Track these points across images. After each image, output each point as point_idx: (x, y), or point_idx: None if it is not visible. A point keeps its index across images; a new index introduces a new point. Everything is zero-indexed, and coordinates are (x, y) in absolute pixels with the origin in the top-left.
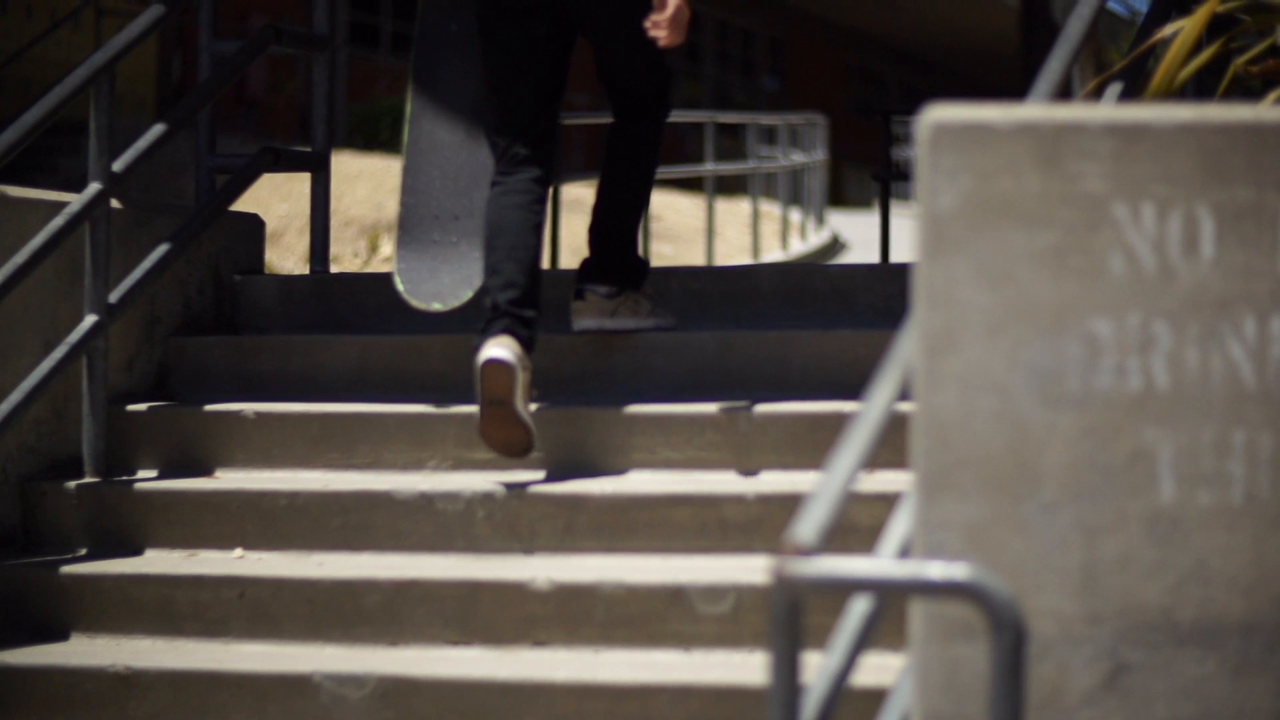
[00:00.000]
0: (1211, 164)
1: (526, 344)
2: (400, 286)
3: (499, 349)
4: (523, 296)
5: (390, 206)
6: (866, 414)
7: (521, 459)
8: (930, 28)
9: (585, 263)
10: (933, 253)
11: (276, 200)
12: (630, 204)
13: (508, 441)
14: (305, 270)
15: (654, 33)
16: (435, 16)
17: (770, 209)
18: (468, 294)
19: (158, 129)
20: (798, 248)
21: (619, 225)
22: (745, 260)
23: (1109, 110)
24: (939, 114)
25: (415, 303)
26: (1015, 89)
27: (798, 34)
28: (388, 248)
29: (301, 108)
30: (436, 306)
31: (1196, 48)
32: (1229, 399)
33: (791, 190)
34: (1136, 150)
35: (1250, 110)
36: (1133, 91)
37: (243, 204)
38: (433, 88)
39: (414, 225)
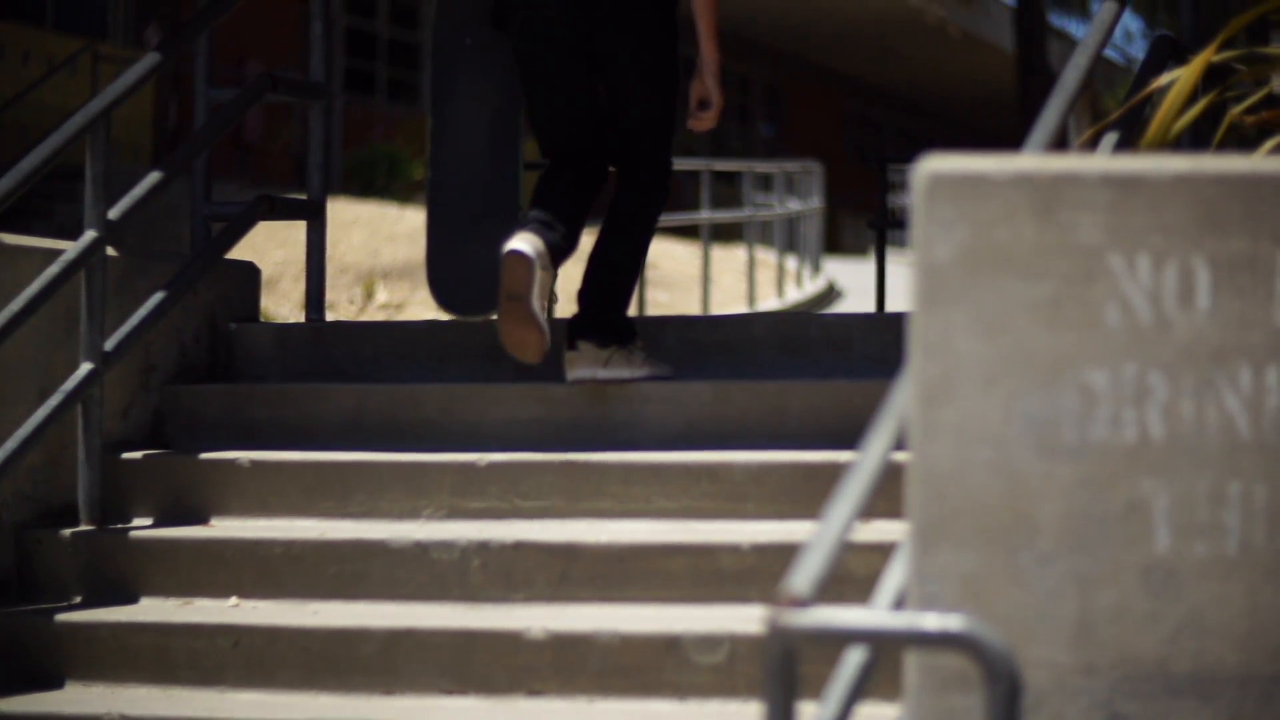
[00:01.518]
0: (1207, 215)
1: (552, 248)
2: (434, 299)
3: (522, 243)
4: (553, 219)
5: (386, 253)
6: (862, 464)
7: (536, 363)
8: (927, 75)
9: (575, 317)
10: (928, 303)
11: (273, 246)
12: (623, 265)
13: (522, 341)
14: (301, 317)
15: (697, 126)
16: (450, 31)
17: (766, 256)
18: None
19: (154, 177)
20: (793, 295)
21: (611, 284)
22: (741, 308)
23: (1104, 161)
24: (935, 164)
25: (450, 314)
26: (1012, 135)
27: (794, 81)
28: (383, 294)
29: (297, 153)
30: (472, 317)
31: (1192, 97)
32: (1224, 450)
33: (787, 237)
34: (1132, 201)
35: (1245, 161)
36: (1129, 141)
37: (239, 251)
38: (451, 101)
39: (442, 237)
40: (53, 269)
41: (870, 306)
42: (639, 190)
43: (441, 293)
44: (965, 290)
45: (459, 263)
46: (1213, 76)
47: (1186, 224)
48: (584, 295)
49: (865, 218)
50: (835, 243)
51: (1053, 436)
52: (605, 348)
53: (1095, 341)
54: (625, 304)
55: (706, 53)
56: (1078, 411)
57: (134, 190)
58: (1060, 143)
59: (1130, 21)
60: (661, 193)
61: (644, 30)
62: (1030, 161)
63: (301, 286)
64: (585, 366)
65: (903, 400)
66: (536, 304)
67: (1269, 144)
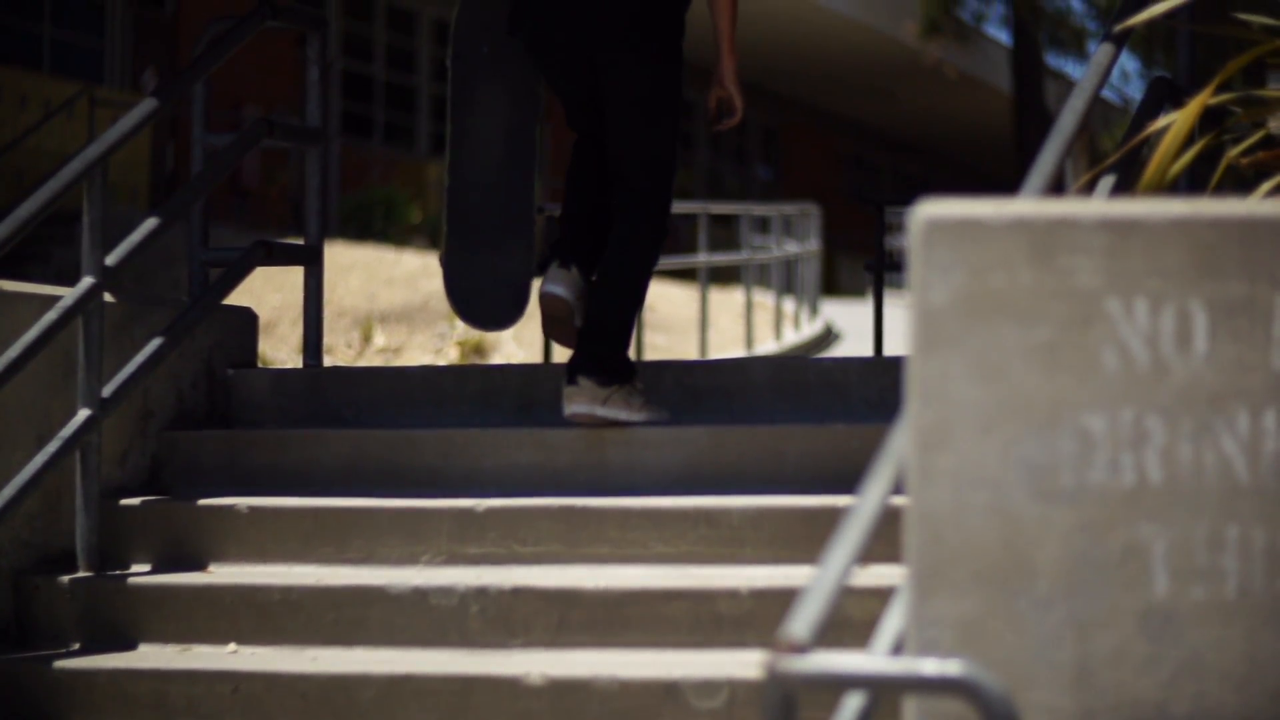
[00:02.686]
0: (1204, 259)
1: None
2: (452, 307)
3: (556, 285)
4: (596, 328)
5: (384, 296)
6: (860, 510)
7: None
8: (924, 116)
9: (575, 353)
10: (926, 348)
11: (270, 290)
12: (622, 303)
13: (567, 340)
14: (299, 361)
15: (721, 128)
16: (468, 39)
17: (764, 299)
18: (519, 316)
19: (151, 223)
20: (791, 338)
21: (611, 322)
22: (739, 350)
23: (1101, 205)
24: (932, 210)
25: (467, 322)
26: (1009, 175)
27: (791, 122)
28: (381, 338)
29: (295, 197)
30: (491, 329)
31: (1189, 140)
32: (1222, 493)
33: (785, 280)
34: (1129, 245)
35: (1242, 205)
36: (1126, 184)
37: (236, 294)
38: (469, 109)
39: (460, 246)
40: (50, 315)
41: (868, 348)
42: (637, 228)
43: (459, 301)
44: (962, 335)
45: (476, 272)
46: (1209, 118)
47: (1184, 268)
48: (584, 333)
49: (863, 259)
50: (833, 284)
51: (1050, 481)
52: (605, 386)
53: (1093, 386)
54: (626, 342)
55: (726, 63)
56: (1075, 456)
57: (131, 236)
58: (1057, 186)
59: (1127, 61)
60: (660, 232)
61: (644, 55)
62: (1027, 206)
63: (299, 330)
64: (584, 403)
65: (900, 445)
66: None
67: (1266, 186)
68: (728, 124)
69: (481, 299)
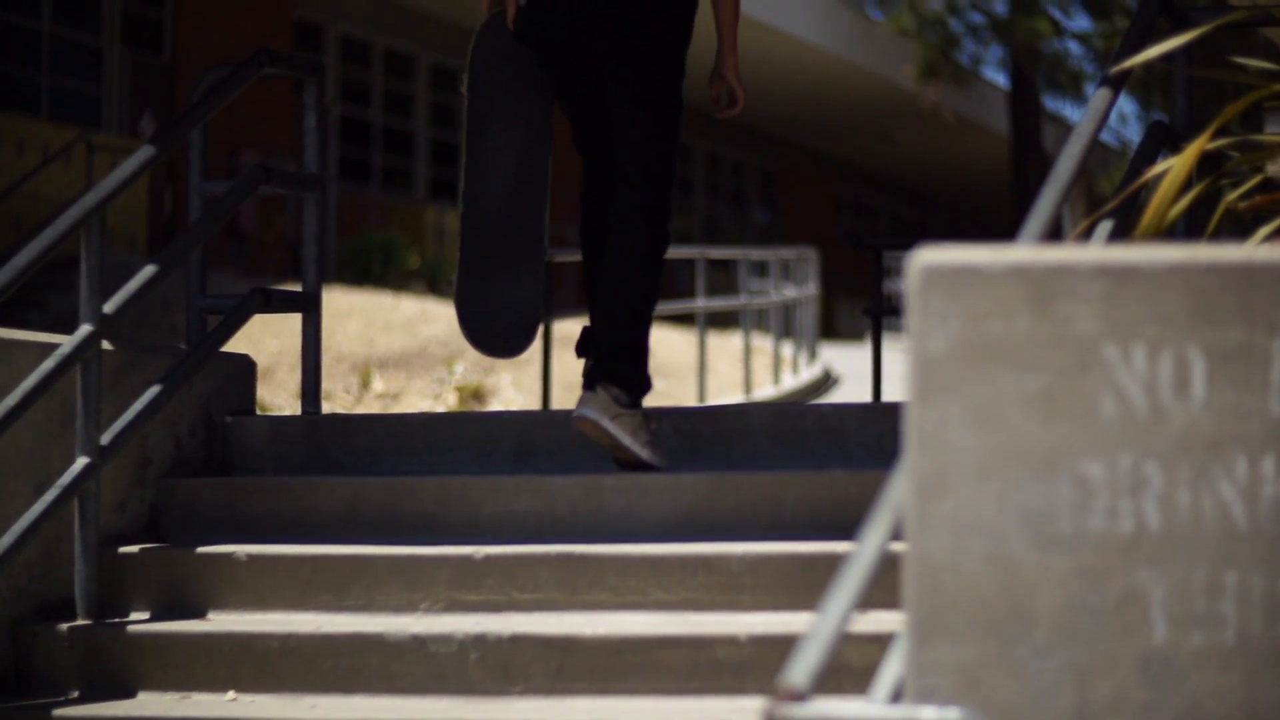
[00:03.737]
0: (1202, 304)
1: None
2: (464, 335)
3: (586, 408)
4: (608, 345)
5: (382, 342)
6: (859, 557)
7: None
8: (922, 159)
9: (595, 363)
10: (923, 396)
11: (268, 336)
12: (630, 314)
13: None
14: (298, 407)
15: (723, 115)
16: (484, 68)
17: (762, 343)
18: (528, 344)
19: (148, 270)
20: (790, 383)
21: (623, 334)
22: (737, 395)
23: (1099, 252)
24: (929, 257)
25: (479, 350)
26: (1007, 218)
27: (789, 166)
28: (380, 384)
29: (292, 242)
30: (501, 356)
31: (1187, 185)
32: (1221, 540)
33: (783, 324)
34: (1127, 291)
35: (1240, 250)
36: (1123, 229)
37: (234, 340)
38: (485, 135)
39: (473, 274)
40: (48, 363)
41: (867, 392)
42: (638, 237)
43: (471, 329)
44: (960, 383)
45: (488, 300)
46: (1207, 162)
47: (1181, 314)
48: (600, 346)
49: (861, 303)
50: (831, 328)
51: (1049, 528)
52: (619, 404)
53: (1091, 432)
54: (642, 357)
55: (728, 59)
56: (1074, 503)
57: (129, 284)
58: (1055, 231)
59: (1125, 104)
60: (661, 240)
61: (649, 61)
62: (1024, 253)
63: (297, 376)
64: (595, 410)
65: (898, 492)
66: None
67: (1264, 231)
68: (729, 113)
69: (493, 327)
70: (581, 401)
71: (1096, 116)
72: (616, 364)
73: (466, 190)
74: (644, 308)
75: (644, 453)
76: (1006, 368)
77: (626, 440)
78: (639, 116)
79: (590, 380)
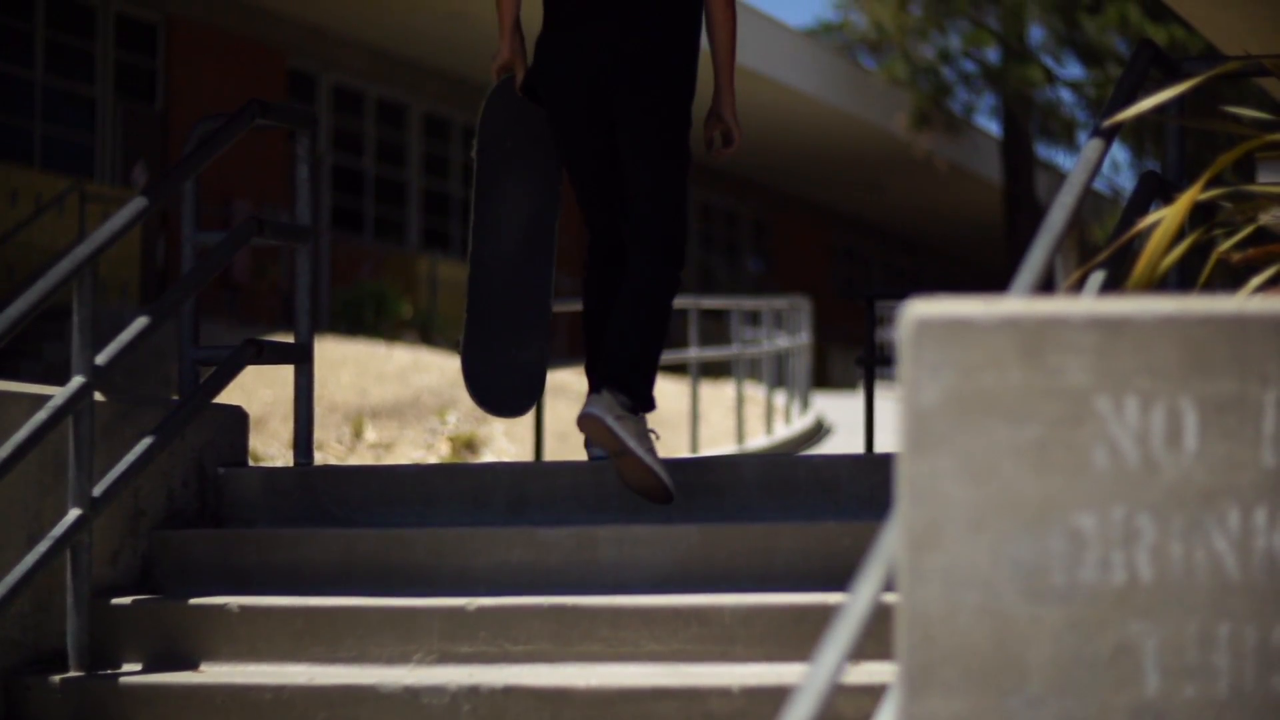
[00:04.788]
0: (1194, 356)
1: (627, 395)
2: (470, 395)
3: (590, 406)
4: (618, 358)
5: (375, 392)
6: (851, 608)
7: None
8: (914, 208)
9: (603, 371)
10: (916, 448)
11: (261, 385)
12: (642, 331)
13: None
14: (290, 458)
15: (719, 155)
16: (494, 133)
17: (755, 393)
18: (533, 404)
19: (141, 322)
20: (782, 432)
21: (633, 347)
22: (730, 445)
23: (1091, 303)
24: (921, 309)
25: (485, 410)
26: (1000, 266)
27: (782, 215)
28: (372, 433)
29: (286, 291)
30: (506, 415)
31: (1179, 235)
32: (1213, 591)
33: (776, 373)
34: (1119, 343)
35: (1232, 302)
36: (1116, 279)
37: (227, 390)
38: (493, 201)
39: (478, 337)
40: (40, 415)
41: (860, 441)
42: (654, 271)
43: (477, 389)
44: (952, 435)
45: (494, 360)
46: (1200, 212)
47: (1174, 366)
48: (609, 356)
49: (854, 352)
50: (824, 377)
51: (1041, 580)
52: (626, 409)
53: (1083, 484)
54: (650, 374)
55: (726, 98)
56: (1066, 555)
57: (121, 336)
58: (1048, 281)
59: (1118, 152)
60: (675, 277)
61: (659, 103)
62: (1016, 305)
63: (290, 426)
64: (600, 409)
65: (891, 544)
66: (641, 449)
67: (1256, 281)
68: (725, 152)
69: (498, 387)
70: (587, 402)
71: (1089, 167)
72: (625, 374)
73: (474, 252)
74: (657, 330)
75: (648, 457)
76: (999, 419)
77: (631, 442)
78: (655, 168)
79: (597, 384)
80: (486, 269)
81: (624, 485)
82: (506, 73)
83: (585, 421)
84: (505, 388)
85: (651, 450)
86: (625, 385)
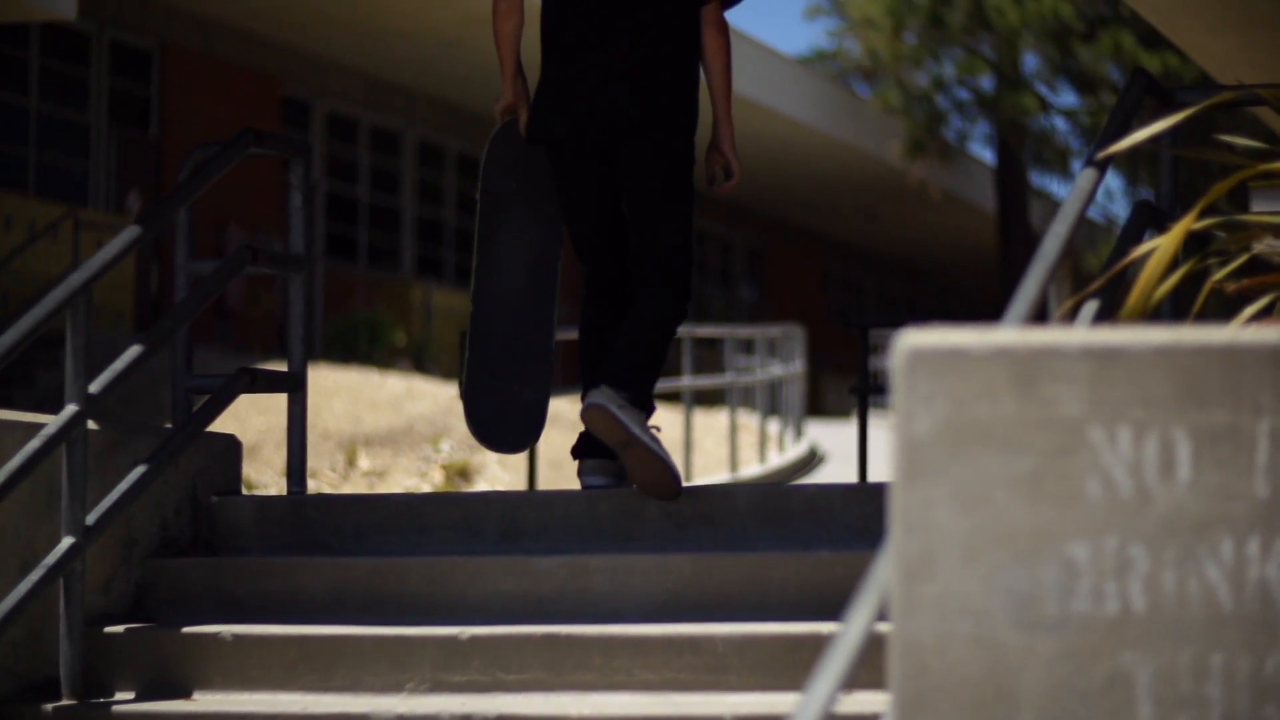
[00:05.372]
0: (1187, 386)
1: (628, 392)
2: (471, 432)
3: (595, 395)
4: (621, 358)
5: (368, 420)
6: (844, 638)
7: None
8: (908, 235)
9: (602, 373)
10: (909, 478)
11: (255, 413)
12: (645, 347)
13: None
14: (284, 485)
15: (719, 192)
16: (497, 174)
17: (748, 421)
18: (534, 441)
19: (134, 350)
20: (776, 460)
21: (635, 357)
22: (724, 473)
23: (1084, 334)
24: (915, 340)
25: (485, 447)
26: (994, 294)
27: (776, 243)
28: (366, 461)
29: (279, 319)
30: (506, 451)
31: (1173, 264)
32: (1206, 621)
33: (770, 401)
34: (1112, 374)
35: (1225, 332)
36: (1109, 309)
37: (221, 417)
38: (495, 242)
39: (480, 374)
40: (34, 443)
41: (853, 469)
42: (660, 299)
43: (478, 427)
44: (945, 465)
45: (495, 399)
46: (1193, 241)
47: (1167, 396)
48: (609, 362)
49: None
50: (818, 405)
51: (1034, 610)
52: (629, 402)
53: (1076, 515)
54: (649, 382)
55: (724, 129)
56: (1059, 585)
57: (115, 364)
58: (1041, 311)
59: (1111, 179)
60: (681, 307)
61: (663, 143)
62: (1010, 335)
63: (284, 454)
64: (605, 398)
65: (884, 574)
66: (648, 438)
67: (1249, 311)
68: (726, 187)
69: (499, 424)
70: (590, 395)
71: (1082, 196)
72: (626, 373)
73: (477, 291)
74: (659, 348)
75: (655, 446)
76: (992, 450)
77: (635, 429)
78: (662, 208)
79: (598, 381)
80: (489, 307)
81: (632, 481)
82: (510, 114)
83: (591, 412)
84: (506, 424)
85: (656, 440)
86: (626, 383)
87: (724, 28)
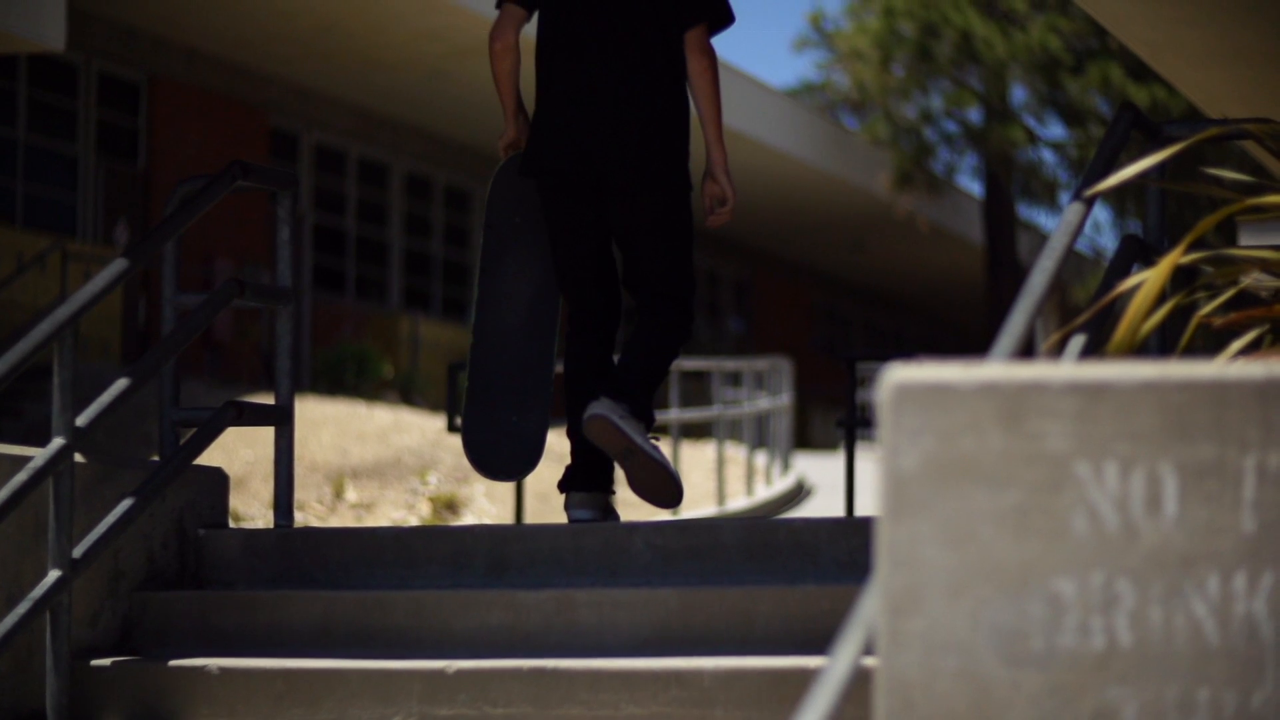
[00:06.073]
0: (1174, 422)
1: (628, 403)
2: (469, 461)
3: (596, 407)
4: (616, 382)
5: (355, 452)
6: (830, 673)
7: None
8: (896, 268)
9: (602, 387)
10: (895, 513)
11: (242, 445)
12: (647, 364)
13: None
14: (270, 518)
15: (714, 223)
16: (502, 209)
17: (736, 453)
18: (531, 470)
19: (121, 383)
20: (763, 493)
21: (636, 373)
22: (711, 506)
23: (1071, 369)
24: (901, 374)
25: (483, 475)
26: (981, 327)
27: (763, 275)
28: (353, 493)
29: (267, 350)
30: (503, 479)
31: (1160, 299)
32: (1193, 657)
33: (757, 434)
34: (1099, 409)
35: (1211, 367)
36: (1097, 342)
37: (208, 449)
38: (498, 276)
39: (479, 404)
40: (20, 476)
41: (840, 502)
42: (663, 322)
43: (476, 455)
44: (932, 500)
45: (494, 428)
46: (1181, 275)
47: (1154, 431)
48: (611, 377)
49: (835, 412)
50: (805, 437)
51: (1020, 645)
52: (629, 413)
53: (1062, 550)
54: (650, 395)
55: (715, 154)
56: (1045, 620)
57: (102, 397)
58: (1028, 344)
59: (1099, 212)
60: (684, 331)
61: (658, 179)
62: (996, 370)
63: (271, 486)
64: (607, 409)
65: (870, 609)
66: (649, 447)
67: (1236, 345)
68: (721, 213)
69: (498, 454)
70: (591, 407)
71: (1069, 231)
72: (626, 386)
73: (478, 322)
74: (661, 365)
75: (656, 453)
76: (979, 485)
77: (638, 439)
78: (660, 238)
79: (598, 392)
80: (490, 339)
81: (632, 489)
82: (514, 150)
83: (592, 422)
84: (504, 453)
85: (657, 448)
86: (627, 395)
87: (708, 50)
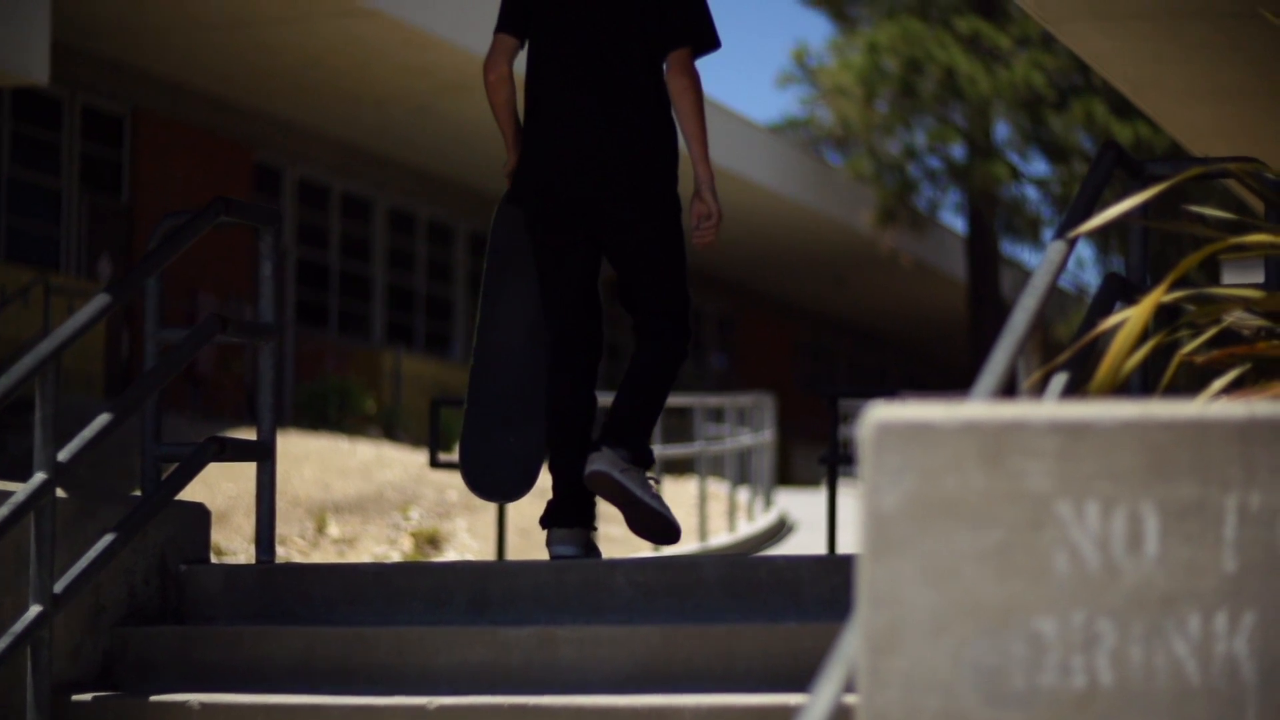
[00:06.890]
0: (1155, 461)
1: (627, 449)
2: (465, 482)
3: (595, 463)
4: (622, 414)
5: (338, 487)
6: (811, 710)
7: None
8: (879, 304)
9: (602, 433)
10: (876, 552)
11: (224, 479)
12: (646, 397)
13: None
14: (252, 553)
15: (700, 240)
16: (505, 232)
17: (718, 490)
18: (526, 491)
19: (104, 418)
20: (745, 529)
21: (636, 410)
22: (693, 542)
23: (1052, 408)
24: (882, 413)
25: (479, 496)
26: (964, 363)
27: (746, 311)
28: (335, 528)
29: (250, 385)
30: (499, 500)
31: (1143, 337)
32: (1174, 696)
33: (739, 470)
34: (1080, 448)
35: (1192, 407)
36: (1079, 381)
37: (190, 483)
38: (499, 299)
39: (477, 425)
40: (1, 511)
41: (823, 538)
42: (661, 347)
43: (472, 476)
44: (913, 539)
45: (491, 451)
46: (1164, 313)
47: (1135, 470)
48: (610, 419)
49: (818, 448)
50: (787, 474)
51: (1002, 684)
52: (629, 461)
53: (1044, 589)
54: (648, 433)
55: (701, 172)
56: (1026, 659)
57: (84, 432)
58: (1010, 382)
59: (1083, 248)
60: (680, 354)
61: (649, 205)
62: (977, 410)
63: (253, 521)
64: (606, 464)
65: (851, 646)
66: (648, 497)
67: (1218, 384)
68: (707, 228)
69: (494, 475)
70: (590, 461)
71: (1051, 270)
72: (625, 432)
73: (478, 345)
74: (660, 394)
75: (655, 503)
76: (960, 524)
77: (638, 492)
78: (653, 264)
79: (597, 443)
80: (486, 365)
81: (631, 530)
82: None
83: (594, 478)
84: (500, 476)
85: (657, 496)
86: (626, 441)
87: (690, 71)
